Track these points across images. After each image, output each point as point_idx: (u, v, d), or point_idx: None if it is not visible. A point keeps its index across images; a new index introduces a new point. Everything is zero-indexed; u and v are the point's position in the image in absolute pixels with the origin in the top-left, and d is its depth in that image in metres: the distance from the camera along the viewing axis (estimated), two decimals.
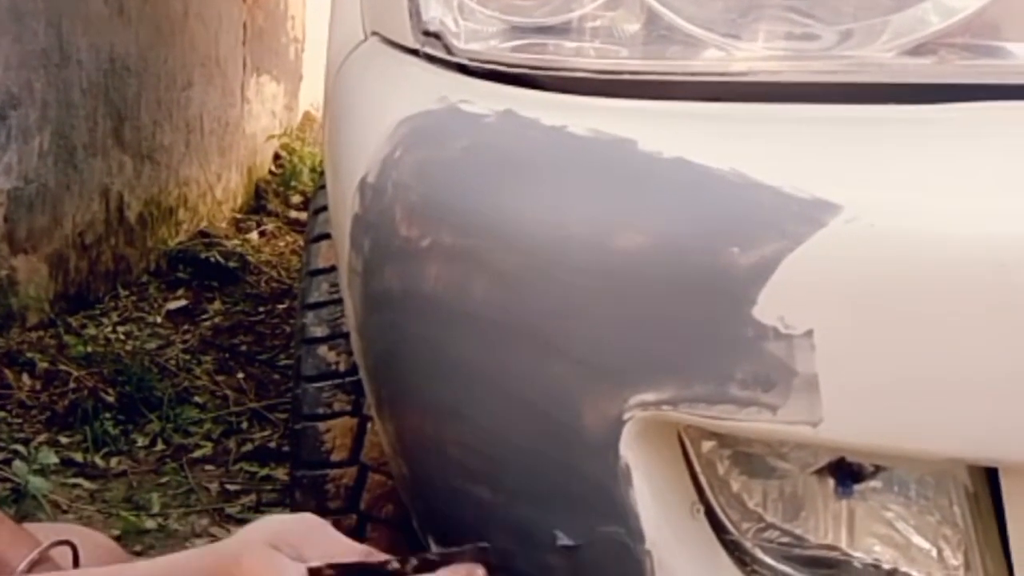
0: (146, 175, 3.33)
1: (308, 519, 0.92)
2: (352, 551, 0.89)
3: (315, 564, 0.86)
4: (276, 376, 2.72)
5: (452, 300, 0.92)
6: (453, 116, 0.95)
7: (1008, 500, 0.83)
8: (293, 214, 4.04)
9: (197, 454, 2.38)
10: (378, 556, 0.90)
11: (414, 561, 0.89)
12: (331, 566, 0.86)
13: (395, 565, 0.89)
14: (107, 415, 2.44)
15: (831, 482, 0.90)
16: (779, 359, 0.79)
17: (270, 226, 3.90)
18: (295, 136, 4.54)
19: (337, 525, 1.62)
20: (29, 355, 2.62)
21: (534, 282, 0.87)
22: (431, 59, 1.03)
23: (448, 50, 1.01)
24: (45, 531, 1.07)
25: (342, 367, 1.60)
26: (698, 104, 0.89)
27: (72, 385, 2.53)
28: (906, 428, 0.79)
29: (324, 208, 1.71)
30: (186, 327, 3.02)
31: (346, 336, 1.52)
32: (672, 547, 0.88)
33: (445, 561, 0.89)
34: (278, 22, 4.41)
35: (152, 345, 2.87)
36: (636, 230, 0.84)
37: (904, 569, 0.89)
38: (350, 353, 1.55)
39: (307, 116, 4.75)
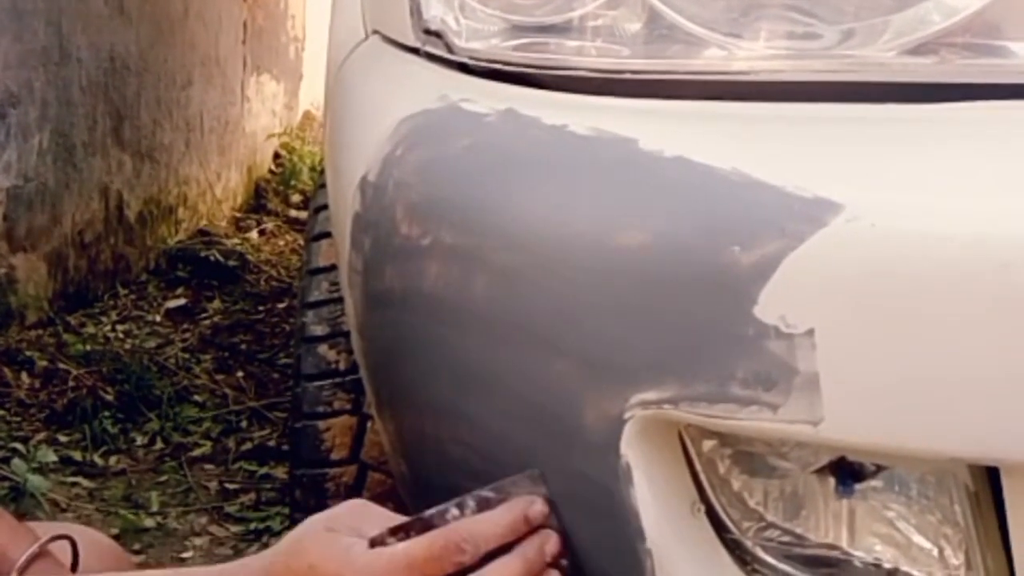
0: (146, 174, 3.33)
1: (353, 502, 0.93)
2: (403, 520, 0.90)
3: (375, 533, 0.86)
4: (276, 375, 2.72)
5: (453, 299, 0.92)
6: (454, 115, 0.95)
7: (1009, 499, 0.83)
8: (293, 213, 4.04)
9: (196, 453, 2.38)
10: (432, 510, 0.89)
11: (471, 504, 0.88)
12: (391, 531, 0.86)
13: (454, 512, 0.88)
14: (106, 413, 2.44)
15: (832, 481, 0.90)
16: (780, 358, 0.79)
17: (270, 225, 3.90)
18: (295, 135, 4.55)
19: None
20: (28, 353, 2.63)
21: (535, 281, 0.87)
22: (432, 58, 1.03)
23: (449, 49, 1.01)
24: (44, 529, 1.08)
25: (342, 366, 1.61)
26: (699, 103, 0.89)
27: (71, 383, 2.53)
28: (907, 427, 0.79)
29: (324, 207, 1.71)
30: (185, 326, 3.02)
31: (346, 335, 1.52)
32: (673, 546, 0.88)
33: (501, 497, 0.88)
34: (278, 21, 4.41)
35: (151, 344, 2.87)
36: (637, 229, 0.84)
37: (905, 568, 0.89)
38: (350, 352, 1.55)
39: (307, 115, 4.75)
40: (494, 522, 0.87)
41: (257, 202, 4.12)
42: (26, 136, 2.72)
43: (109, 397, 2.50)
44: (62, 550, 1.03)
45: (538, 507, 0.88)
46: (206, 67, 3.69)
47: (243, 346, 2.89)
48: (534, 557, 0.87)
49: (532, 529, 0.88)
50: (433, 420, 1.00)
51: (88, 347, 2.72)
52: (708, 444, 0.90)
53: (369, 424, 1.62)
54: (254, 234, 3.79)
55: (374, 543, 0.86)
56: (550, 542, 0.88)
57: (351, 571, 0.84)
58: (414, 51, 1.06)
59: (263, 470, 2.32)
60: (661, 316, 0.82)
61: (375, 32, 1.18)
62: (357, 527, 0.88)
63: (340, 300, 1.57)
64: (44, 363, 2.61)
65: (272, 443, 2.42)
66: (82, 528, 1.19)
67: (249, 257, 3.45)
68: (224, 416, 2.52)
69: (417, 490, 1.09)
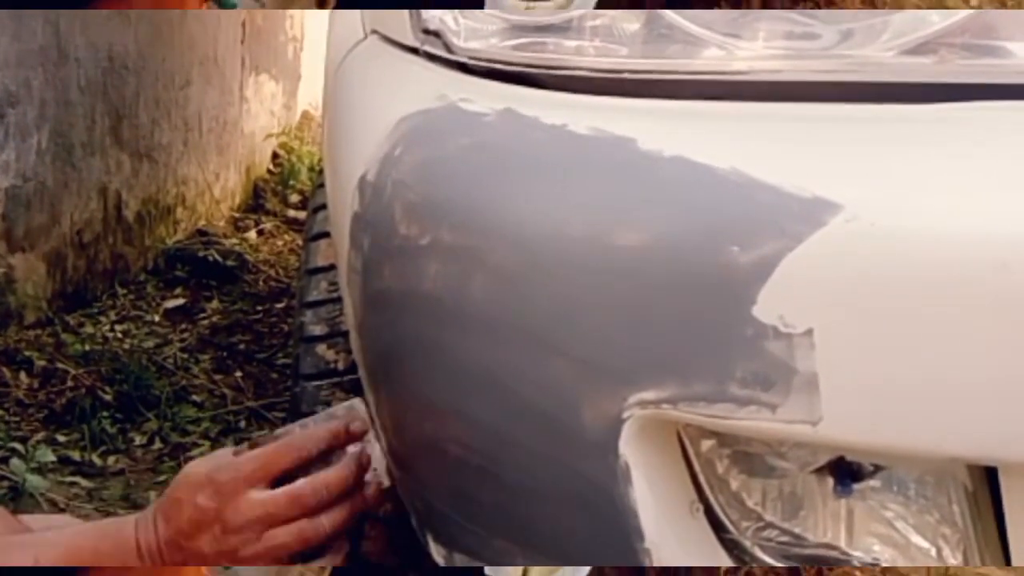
0: (144, 174, 3.33)
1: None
2: None
3: (239, 448, 1.14)
4: (274, 375, 2.72)
5: (451, 299, 0.92)
6: (453, 114, 0.95)
7: (1007, 499, 0.83)
8: (291, 213, 4.04)
9: (195, 453, 2.38)
10: (285, 427, 1.17)
11: (310, 423, 1.15)
12: (251, 444, 1.13)
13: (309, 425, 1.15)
14: (105, 413, 2.44)
15: (830, 481, 0.90)
16: (779, 358, 0.79)
17: (268, 225, 3.90)
18: (293, 135, 4.55)
19: None
20: (27, 353, 2.62)
21: (534, 281, 0.87)
22: (431, 57, 1.03)
23: (448, 48, 1.01)
24: (39, 523, 1.12)
25: (340, 365, 1.60)
26: (698, 103, 0.89)
27: (70, 383, 2.53)
28: (906, 427, 0.79)
29: (323, 206, 1.71)
30: (184, 326, 3.02)
31: (345, 334, 1.52)
32: (671, 546, 0.88)
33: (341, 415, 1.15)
34: (276, 21, 4.41)
35: (150, 344, 2.87)
36: (636, 229, 0.84)
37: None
38: (349, 351, 1.55)
39: (305, 115, 4.76)
40: (322, 429, 1.14)
41: (255, 202, 4.12)
42: (24, 136, 2.72)
43: (108, 397, 2.50)
44: None
45: (358, 424, 1.15)
46: (204, 67, 3.68)
47: (241, 346, 2.89)
48: (352, 465, 1.13)
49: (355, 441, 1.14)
50: (432, 420, 1.00)
51: (87, 347, 2.72)
52: (707, 444, 0.90)
53: None
54: (252, 234, 3.79)
55: (237, 453, 1.13)
56: (365, 452, 1.14)
57: (213, 469, 1.09)
58: (413, 50, 1.06)
59: None
60: (660, 316, 0.83)
61: (374, 31, 1.18)
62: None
63: (338, 300, 1.57)
64: (43, 363, 2.60)
65: None
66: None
67: (247, 257, 3.45)
68: (223, 416, 2.52)
69: (416, 490, 1.09)
